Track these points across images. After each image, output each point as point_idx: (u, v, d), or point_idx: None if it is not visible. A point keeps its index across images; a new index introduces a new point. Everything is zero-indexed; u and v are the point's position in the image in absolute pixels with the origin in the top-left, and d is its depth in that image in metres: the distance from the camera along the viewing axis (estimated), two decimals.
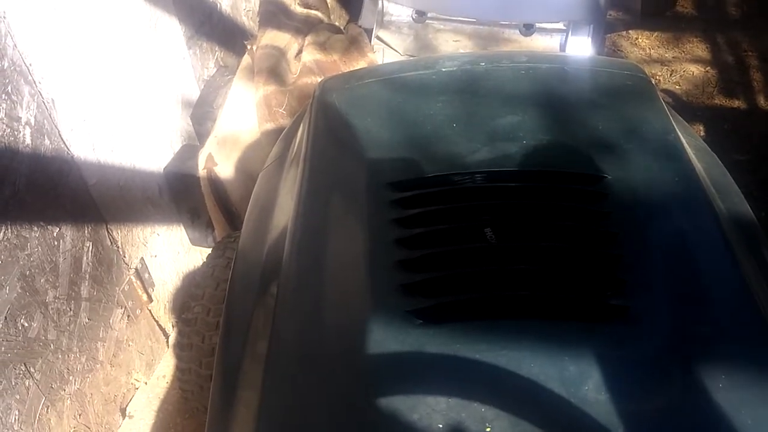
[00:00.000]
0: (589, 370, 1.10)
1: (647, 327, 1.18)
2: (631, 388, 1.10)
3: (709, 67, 4.15)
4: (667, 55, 4.28)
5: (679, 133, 1.63)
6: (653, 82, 1.89)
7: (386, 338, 1.18)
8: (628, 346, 1.15)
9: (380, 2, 3.17)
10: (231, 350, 1.45)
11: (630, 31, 4.39)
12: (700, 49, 4.31)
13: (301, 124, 1.86)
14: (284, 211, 1.59)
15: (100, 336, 2.25)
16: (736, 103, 3.89)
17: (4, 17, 1.67)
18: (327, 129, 1.74)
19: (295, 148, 1.81)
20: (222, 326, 1.56)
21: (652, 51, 4.31)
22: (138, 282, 2.42)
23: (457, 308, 1.22)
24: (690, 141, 1.70)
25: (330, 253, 1.41)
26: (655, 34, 4.42)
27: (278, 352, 1.25)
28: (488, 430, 1.04)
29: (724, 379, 1.10)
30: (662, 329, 1.17)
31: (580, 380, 1.09)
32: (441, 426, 1.05)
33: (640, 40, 4.38)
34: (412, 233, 1.35)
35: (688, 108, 3.81)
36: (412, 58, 3.05)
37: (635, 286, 1.23)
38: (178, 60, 2.55)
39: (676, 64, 4.19)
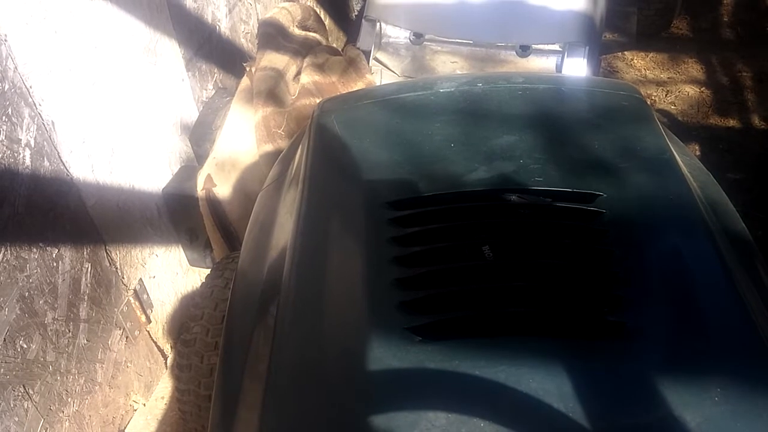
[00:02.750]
0: (586, 386, 1.10)
1: (644, 343, 1.18)
2: (629, 402, 1.10)
3: (704, 88, 4.19)
4: (662, 75, 4.32)
5: (675, 153, 1.64)
6: (648, 103, 1.91)
7: (386, 355, 1.18)
8: (625, 362, 1.16)
9: (378, 24, 3.20)
10: (231, 370, 1.45)
11: (625, 53, 4.43)
12: (695, 70, 4.35)
13: (300, 145, 1.87)
14: (284, 231, 1.60)
15: (99, 357, 2.24)
16: (731, 123, 3.92)
17: (5, 40, 1.68)
18: (326, 150, 1.75)
19: (294, 168, 1.82)
20: (222, 346, 1.56)
21: (648, 72, 4.35)
22: (136, 303, 2.42)
23: (455, 325, 1.22)
24: (685, 160, 1.71)
25: (329, 272, 1.41)
26: (651, 55, 4.46)
27: (278, 372, 1.25)
28: None
29: (720, 393, 1.10)
30: (658, 345, 1.18)
31: (578, 396, 1.09)
32: None
33: (635, 61, 4.42)
34: (411, 251, 1.36)
35: (683, 128, 3.84)
36: (409, 79, 3.08)
37: (632, 302, 1.24)
38: (177, 82, 2.57)
39: (672, 85, 4.22)
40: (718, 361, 1.17)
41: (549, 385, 1.11)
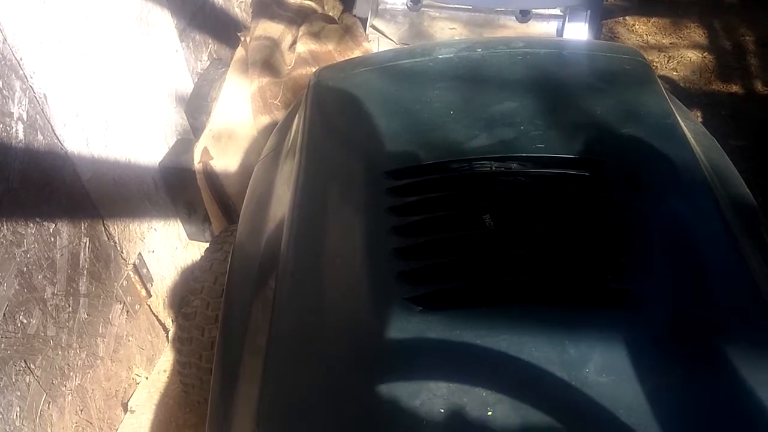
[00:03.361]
0: (589, 354, 1.09)
1: (647, 310, 1.17)
2: (632, 370, 1.09)
3: (706, 53, 4.14)
4: (664, 41, 4.26)
5: (678, 117, 1.61)
6: (651, 66, 1.88)
7: (386, 325, 1.16)
8: (628, 329, 1.14)
9: None
10: (230, 343, 1.44)
11: (627, 18, 4.37)
12: (697, 35, 4.29)
13: (297, 115, 1.84)
14: (281, 203, 1.58)
15: (100, 332, 2.24)
16: (734, 89, 3.87)
17: None
18: (323, 119, 1.72)
19: (291, 139, 1.79)
20: (221, 319, 1.55)
21: (650, 37, 4.29)
22: (136, 277, 2.41)
23: (456, 294, 1.21)
24: (689, 125, 1.69)
25: (328, 243, 1.40)
26: (652, 20, 4.40)
27: (278, 343, 1.24)
28: (490, 414, 1.03)
29: (724, 360, 1.09)
30: (663, 312, 1.16)
31: (580, 363, 1.08)
32: (442, 411, 1.04)
33: (637, 27, 4.37)
34: (410, 221, 1.34)
35: (685, 94, 3.80)
36: (407, 46, 3.04)
37: (635, 269, 1.22)
38: (171, 53, 2.53)
39: (674, 50, 4.17)
40: (723, 328, 1.16)
41: (551, 353, 1.10)
